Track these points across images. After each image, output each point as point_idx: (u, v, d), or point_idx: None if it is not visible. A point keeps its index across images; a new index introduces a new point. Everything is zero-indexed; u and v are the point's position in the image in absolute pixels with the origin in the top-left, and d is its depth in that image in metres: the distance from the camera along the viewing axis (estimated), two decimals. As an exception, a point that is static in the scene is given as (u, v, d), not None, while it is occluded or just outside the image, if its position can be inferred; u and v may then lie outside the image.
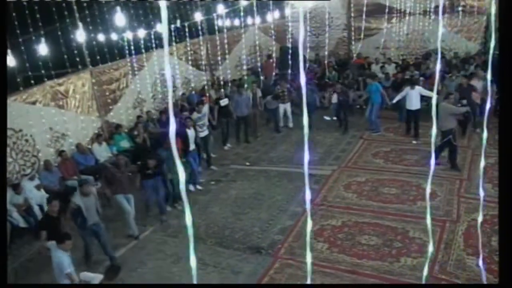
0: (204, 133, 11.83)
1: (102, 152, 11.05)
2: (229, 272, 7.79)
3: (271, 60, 17.55)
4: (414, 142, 12.50)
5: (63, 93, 10.77)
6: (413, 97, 12.64)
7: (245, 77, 15.79)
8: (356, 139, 13.14)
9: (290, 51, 16.45)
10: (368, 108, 13.96)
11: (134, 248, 8.75)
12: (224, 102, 12.65)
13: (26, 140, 9.95)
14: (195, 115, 11.62)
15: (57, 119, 10.62)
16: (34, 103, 10.08)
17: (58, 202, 7.72)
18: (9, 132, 9.50)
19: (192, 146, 10.64)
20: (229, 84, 14.56)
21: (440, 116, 9.83)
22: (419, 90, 12.56)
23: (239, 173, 11.78)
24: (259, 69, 16.37)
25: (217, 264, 8.05)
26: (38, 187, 9.55)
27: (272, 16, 16.97)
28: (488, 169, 9.66)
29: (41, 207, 9.52)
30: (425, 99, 12.61)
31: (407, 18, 17.99)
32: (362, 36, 18.58)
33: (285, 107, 13.95)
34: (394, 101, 13.20)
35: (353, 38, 19.20)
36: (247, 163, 12.26)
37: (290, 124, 14.48)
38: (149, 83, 13.33)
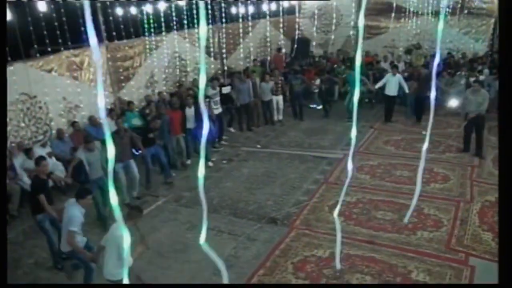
0: (218, 110, 11.92)
1: (113, 127, 10.92)
2: (245, 239, 7.69)
3: (281, 53, 17.51)
4: (423, 132, 12.43)
5: (78, 64, 10.74)
6: (392, 84, 13.26)
7: (252, 67, 15.67)
8: (366, 129, 13.13)
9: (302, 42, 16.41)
10: (347, 97, 14.20)
11: (146, 216, 8.61)
12: (226, 89, 12.66)
13: (40, 107, 9.89)
14: (210, 91, 11.57)
15: (71, 90, 10.58)
16: (49, 71, 10.05)
17: (47, 162, 7.60)
18: (23, 97, 9.49)
19: (190, 125, 10.66)
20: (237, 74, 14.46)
21: (475, 102, 10.48)
22: (398, 78, 13.24)
23: (250, 154, 11.73)
24: (267, 62, 16.34)
25: (232, 232, 7.97)
26: (49, 155, 9.48)
27: (282, 10, 17.01)
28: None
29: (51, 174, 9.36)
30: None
31: (416, 18, 18.00)
32: (368, 34, 18.57)
33: (277, 99, 13.77)
34: (377, 86, 13.82)
35: (362, 35, 19.11)
36: (258, 146, 12.20)
37: (280, 117, 14.32)
38: (161, 65, 13.23)
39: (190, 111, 10.50)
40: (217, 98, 11.96)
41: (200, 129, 8.14)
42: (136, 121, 11.31)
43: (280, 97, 14.15)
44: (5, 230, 3.26)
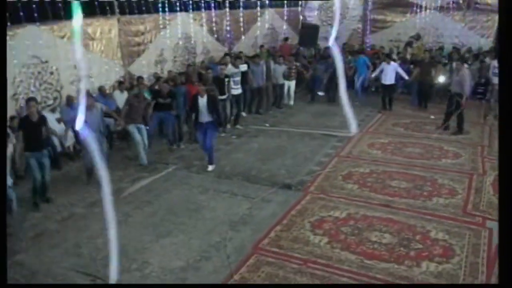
0: (238, 91, 11.89)
1: (123, 100, 10.86)
2: (259, 201, 7.65)
3: (288, 43, 17.49)
4: (432, 117, 12.47)
5: (90, 34, 10.66)
6: (388, 72, 13.26)
7: (259, 53, 15.63)
8: (374, 113, 13.12)
9: (309, 29, 16.40)
10: (355, 77, 14.51)
11: (158, 180, 8.61)
12: (244, 67, 12.46)
13: (51, 73, 9.82)
14: (231, 69, 11.60)
15: (82, 58, 10.40)
16: (62, 37, 9.97)
17: (35, 103, 7.57)
18: (34, 60, 9.45)
19: (203, 118, 9.19)
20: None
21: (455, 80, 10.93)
22: (394, 66, 13.28)
23: (260, 131, 11.69)
24: (274, 50, 16.33)
25: (245, 195, 7.90)
26: (58, 120, 9.36)
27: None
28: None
29: (61, 140, 9.29)
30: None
31: (422, 12, 18.04)
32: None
33: (289, 84, 13.74)
34: (373, 75, 14.04)
35: (367, 29, 19.19)
36: (266, 124, 12.15)
37: (291, 102, 14.32)
38: (171, 44, 13.18)
39: (202, 101, 8.85)
40: (238, 78, 11.83)
41: (213, 126, 8.79)
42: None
43: (293, 83, 14.13)
44: (5, 230, 3.18)
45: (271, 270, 5.67)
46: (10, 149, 7.32)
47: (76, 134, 9.13)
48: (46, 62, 9.68)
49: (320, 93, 15.08)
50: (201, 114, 8.68)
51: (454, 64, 12.59)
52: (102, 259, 5.98)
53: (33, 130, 7.31)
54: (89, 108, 7.76)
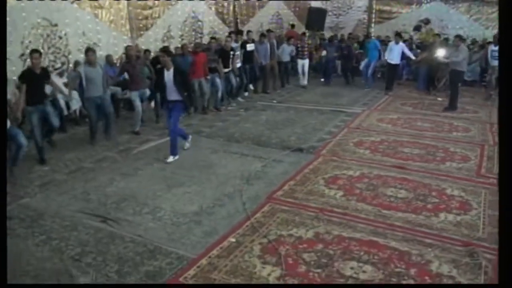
0: (239, 64, 11.96)
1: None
2: (271, 161, 7.47)
3: (295, 30, 17.43)
4: (439, 99, 12.40)
5: (99, 2, 10.51)
6: (395, 52, 13.22)
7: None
8: (381, 95, 12.99)
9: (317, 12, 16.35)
10: (364, 62, 14.45)
11: (167, 142, 8.42)
12: (250, 47, 12.41)
13: (60, 37, 9.74)
14: (234, 44, 11.79)
15: (91, 26, 10.41)
16: (72, 2, 9.82)
17: (39, 56, 7.40)
18: (44, 23, 9.40)
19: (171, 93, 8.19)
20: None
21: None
22: (402, 46, 13.24)
23: (267, 106, 11.63)
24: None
25: (257, 155, 7.77)
26: (65, 84, 9.22)
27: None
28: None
29: (67, 104, 9.18)
30: None
31: (427, 4, 18.01)
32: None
33: (303, 63, 13.81)
34: (385, 57, 13.85)
35: (373, 20, 19.16)
36: (274, 101, 12.03)
37: (305, 82, 14.33)
38: (179, 22, 13.10)
39: (168, 75, 7.55)
40: (238, 52, 11.80)
41: (179, 106, 7.58)
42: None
43: (306, 61, 14.20)
44: (5, 230, 3.08)
45: (287, 216, 5.54)
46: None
47: (82, 98, 8.98)
48: (56, 25, 9.61)
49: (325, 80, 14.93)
50: (168, 90, 7.37)
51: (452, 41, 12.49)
52: (112, 203, 5.83)
53: (36, 82, 7.17)
54: (91, 64, 7.64)
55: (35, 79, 7.18)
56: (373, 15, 19.17)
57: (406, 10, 18.56)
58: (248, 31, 13.16)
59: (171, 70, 7.25)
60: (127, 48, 9.38)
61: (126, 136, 8.82)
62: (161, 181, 6.61)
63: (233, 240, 5.00)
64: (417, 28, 16.48)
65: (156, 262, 4.55)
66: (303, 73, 14.23)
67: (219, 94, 10.81)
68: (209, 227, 5.30)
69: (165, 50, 7.43)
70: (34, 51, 7.39)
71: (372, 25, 19.25)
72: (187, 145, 7.96)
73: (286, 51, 13.74)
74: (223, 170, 7.09)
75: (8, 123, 6.51)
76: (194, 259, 4.61)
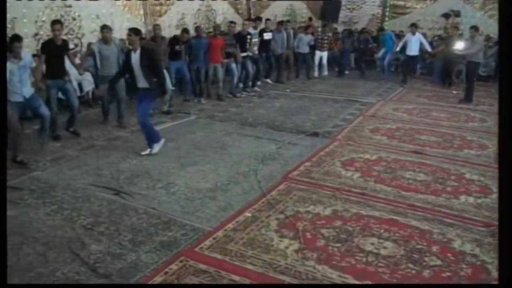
0: (256, 51, 11.71)
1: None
2: (285, 143, 7.34)
3: (312, 22, 17.30)
4: (454, 92, 12.21)
5: (114, -15, 10.44)
6: (412, 43, 13.05)
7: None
8: (396, 87, 12.79)
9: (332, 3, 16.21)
10: (381, 52, 14.37)
11: (180, 125, 8.37)
12: (268, 35, 12.24)
13: (74, 19, 9.68)
14: (252, 30, 11.58)
15: (105, 11, 10.31)
16: (87, -16, 9.73)
17: (61, 26, 7.25)
18: (59, 3, 9.35)
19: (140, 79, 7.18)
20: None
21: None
22: (419, 37, 13.09)
23: (281, 95, 11.52)
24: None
25: (271, 138, 7.62)
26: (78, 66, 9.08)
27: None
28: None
29: (80, 86, 9.08)
30: None
31: (443, -1, 17.83)
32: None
33: (321, 55, 13.65)
34: (398, 48, 13.80)
35: (386, 15, 18.95)
36: (287, 90, 11.87)
37: (325, 73, 14.06)
38: (193, 9, 12.99)
39: (135, 57, 6.54)
40: (256, 39, 11.65)
41: (149, 94, 6.59)
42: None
43: (325, 53, 14.06)
44: (5, 230, 3.13)
45: (304, 194, 5.41)
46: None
47: (95, 80, 8.89)
48: (70, 6, 9.51)
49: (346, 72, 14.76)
50: (136, 76, 6.41)
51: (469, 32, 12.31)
52: (125, 179, 5.72)
53: (56, 54, 7.03)
54: (107, 41, 7.53)
55: (55, 50, 7.03)
56: (387, 10, 18.89)
57: (421, 6, 18.33)
58: (267, 19, 12.94)
59: (138, 51, 6.29)
60: (154, 27, 9.28)
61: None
62: (175, 160, 6.49)
63: (249, 214, 4.88)
64: (445, 16, 16.13)
65: (170, 233, 4.43)
66: (320, 65, 14.06)
67: (235, 80, 10.67)
68: (224, 202, 5.17)
69: (133, 29, 6.61)
70: (56, 21, 7.21)
71: (386, 20, 18.99)
72: (156, 148, 6.69)
73: (304, 41, 13.52)
74: (237, 150, 6.97)
75: (32, 91, 6.44)
76: (210, 231, 4.48)
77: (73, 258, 3.96)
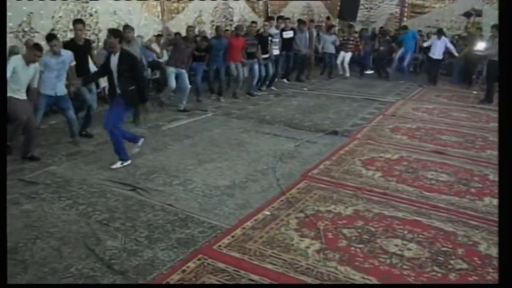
0: (277, 51, 11.47)
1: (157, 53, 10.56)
2: (304, 142, 7.19)
3: (330, 21, 17.12)
4: (474, 92, 11.97)
5: (131, -19, 10.36)
6: (437, 47, 12.88)
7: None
8: (415, 87, 12.59)
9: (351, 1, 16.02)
10: (399, 53, 13.98)
11: (196, 121, 8.25)
12: (288, 34, 12.02)
13: (91, 14, 9.60)
14: (273, 30, 11.24)
15: (123, 6, 10.21)
16: (104, -21, 9.65)
17: (83, 26, 7.18)
18: (76, -2, 9.09)
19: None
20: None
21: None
22: (445, 41, 12.86)
23: (298, 93, 11.36)
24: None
25: (290, 136, 7.47)
26: (94, 63, 9.00)
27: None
28: None
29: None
30: None
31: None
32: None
33: (344, 56, 13.38)
34: (425, 44, 13.69)
35: (405, 14, 18.70)
36: (305, 88, 11.72)
37: (347, 74, 13.81)
38: (210, 7, 12.89)
39: (114, 60, 6.05)
40: (277, 39, 11.41)
41: (125, 101, 5.96)
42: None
43: (348, 54, 13.82)
44: (5, 230, 3.08)
45: (324, 193, 5.27)
46: None
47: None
48: (87, 2, 9.42)
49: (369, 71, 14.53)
50: (114, 80, 5.91)
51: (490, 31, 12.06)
52: (142, 175, 5.62)
53: (78, 54, 6.85)
54: (129, 42, 7.44)
55: (77, 50, 6.86)
56: (406, 9, 18.63)
57: (440, 5, 18.04)
58: (286, 18, 12.72)
59: (117, 54, 5.77)
60: (188, 29, 9.22)
61: (154, 114, 8.62)
62: (192, 156, 6.38)
63: (268, 213, 4.74)
64: (466, 15, 15.85)
65: (188, 230, 4.31)
66: (343, 66, 13.91)
67: (255, 81, 10.52)
68: (242, 200, 5.04)
69: (112, 30, 6.15)
70: (78, 21, 7.12)
71: (404, 19, 18.75)
72: (136, 149, 6.25)
73: (328, 41, 13.37)
74: (255, 148, 6.85)
75: (65, 91, 6.53)
76: (228, 229, 4.36)
77: (88, 254, 3.84)
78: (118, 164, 5.92)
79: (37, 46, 6.04)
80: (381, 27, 17.62)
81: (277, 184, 5.48)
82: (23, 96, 6.10)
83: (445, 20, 17.79)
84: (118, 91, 5.80)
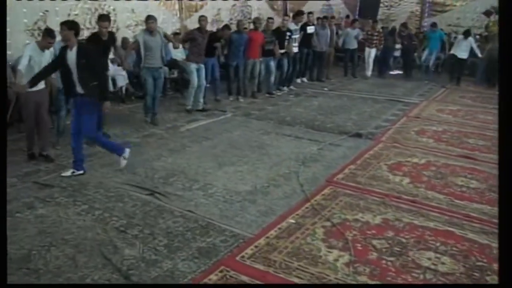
0: (296, 49, 11.15)
1: (178, 53, 10.37)
2: (327, 144, 6.92)
3: (349, 19, 16.81)
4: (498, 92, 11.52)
5: (149, -22, 10.16)
6: (463, 46, 12.57)
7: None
8: (438, 88, 12.24)
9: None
10: (425, 54, 13.66)
11: (216, 122, 8.03)
12: (311, 29, 11.68)
13: (108, 12, 9.34)
14: (292, 25, 10.89)
15: (140, 4, 10.06)
16: (121, -24, 9.47)
17: (108, 23, 6.83)
18: (93, -4, 8.91)
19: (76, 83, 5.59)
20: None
21: None
22: (470, 41, 12.55)
23: (318, 93, 11.09)
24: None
25: (312, 139, 7.22)
26: (112, 61, 8.86)
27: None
28: None
29: (113, 81, 8.82)
30: None
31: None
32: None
33: (370, 51, 13.11)
34: (452, 52, 13.10)
35: (425, 12, 18.29)
36: (325, 88, 11.44)
37: (368, 73, 13.52)
38: (228, 5, 12.68)
39: (71, 56, 5.37)
40: (296, 35, 11.08)
41: (89, 102, 5.36)
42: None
43: (374, 50, 13.41)
44: (5, 230, 2.99)
45: (351, 200, 5.01)
46: None
47: (130, 76, 8.63)
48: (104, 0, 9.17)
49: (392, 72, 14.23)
50: (73, 79, 5.28)
51: None
52: (160, 178, 5.40)
53: (104, 50, 6.65)
54: (151, 32, 7.22)
55: (101, 42, 6.65)
56: (426, 8, 18.23)
57: (461, 3, 17.59)
58: (309, 13, 12.21)
59: (74, 49, 5.18)
60: (200, 18, 8.74)
61: (172, 114, 8.43)
62: (211, 159, 6.16)
63: (293, 221, 4.51)
64: (487, 14, 15.44)
65: (209, 239, 4.09)
66: (368, 63, 13.52)
67: (272, 78, 10.27)
68: (265, 206, 4.80)
69: (66, 22, 5.45)
70: (104, 17, 6.88)
71: (425, 17, 18.35)
72: (123, 162, 5.71)
73: (351, 36, 13.01)
74: (276, 151, 6.60)
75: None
76: (251, 238, 4.13)
77: (105, 263, 3.64)
78: (122, 162, 5.66)
79: (49, 33, 5.79)
80: (404, 22, 17.20)
81: (301, 190, 5.23)
82: (40, 85, 5.84)
83: (467, 18, 17.36)
84: (80, 90, 5.25)
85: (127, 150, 5.65)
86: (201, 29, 8.37)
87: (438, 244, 4.22)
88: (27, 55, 5.66)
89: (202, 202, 4.88)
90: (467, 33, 12.75)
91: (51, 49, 5.97)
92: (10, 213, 4.41)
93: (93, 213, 4.57)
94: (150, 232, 4.21)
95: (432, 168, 6.16)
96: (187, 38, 8.64)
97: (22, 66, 5.56)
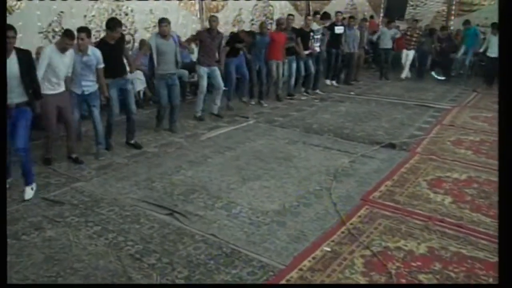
0: (318, 49, 10.59)
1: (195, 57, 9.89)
2: (359, 156, 6.40)
3: (374, 20, 16.26)
4: (538, 99, 10.86)
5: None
6: (494, 44, 11.72)
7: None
8: (469, 92, 11.61)
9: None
10: (460, 52, 13.04)
11: (238, 130, 7.56)
12: (339, 29, 10.95)
13: (126, 14, 9.02)
14: (315, 25, 10.40)
15: (159, 4, 9.62)
16: (140, -22, 9.03)
17: (120, 28, 6.41)
18: (110, -1, 8.48)
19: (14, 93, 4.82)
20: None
21: None
22: None
23: (345, 98, 10.56)
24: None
25: (342, 149, 6.69)
26: (128, 64, 8.38)
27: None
28: None
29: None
30: None
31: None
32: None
33: (407, 53, 12.62)
34: (482, 49, 12.46)
35: (452, 12, 17.62)
36: (352, 93, 10.89)
37: (403, 75, 12.93)
38: (250, 5, 12.27)
39: (10, 64, 4.58)
40: (319, 36, 10.56)
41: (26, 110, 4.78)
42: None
43: (412, 52, 12.85)
44: (5, 230, 2.97)
45: (390, 224, 4.50)
46: None
47: (147, 80, 8.21)
48: (122, 0, 8.75)
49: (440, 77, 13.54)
50: (10, 88, 4.45)
51: None
52: (180, 195, 4.92)
53: (112, 52, 6.22)
54: (164, 36, 6.75)
55: (111, 47, 6.22)
56: (453, 7, 17.56)
57: (489, 2, 16.87)
58: (337, 12, 11.70)
59: (13, 55, 4.52)
60: (210, 19, 8.17)
61: (192, 121, 7.96)
62: (235, 172, 5.68)
63: (328, 249, 3.99)
64: None
65: (234, 271, 3.61)
66: (405, 65, 12.95)
67: (293, 80, 9.77)
68: (296, 230, 4.30)
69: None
70: (115, 23, 6.37)
71: (452, 17, 17.69)
72: (28, 193, 4.91)
73: (387, 35, 12.50)
74: (304, 163, 6.10)
75: (93, 89, 6.10)
76: (282, 270, 3.62)
77: (117, 300, 3.15)
78: (29, 192, 4.93)
79: (68, 34, 5.38)
80: (427, 25, 16.63)
81: (335, 210, 4.71)
82: (59, 88, 5.61)
83: (495, 19, 16.57)
84: (19, 100, 4.69)
85: (34, 184, 4.98)
86: (210, 30, 7.83)
87: (490, 279, 3.69)
88: (45, 58, 5.39)
89: (226, 224, 4.40)
90: (495, 30, 11.89)
91: (72, 50, 5.63)
92: (16, 235, 4.05)
93: (106, 236, 4.12)
94: (169, 261, 3.74)
95: (475, 185, 5.61)
96: (194, 39, 8.15)
97: (40, 72, 5.29)
